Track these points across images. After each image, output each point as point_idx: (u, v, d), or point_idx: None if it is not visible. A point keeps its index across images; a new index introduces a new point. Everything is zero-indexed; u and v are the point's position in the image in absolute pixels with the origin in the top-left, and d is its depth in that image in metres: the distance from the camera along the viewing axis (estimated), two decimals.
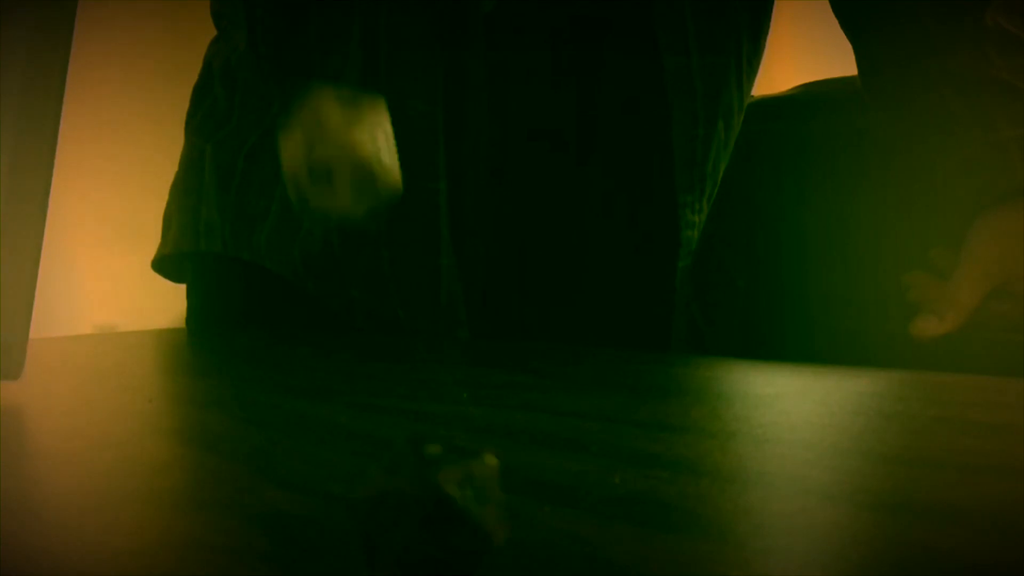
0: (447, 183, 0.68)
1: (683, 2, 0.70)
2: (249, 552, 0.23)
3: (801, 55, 2.09)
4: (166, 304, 0.98)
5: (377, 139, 0.22)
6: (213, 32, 0.82)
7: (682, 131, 0.71)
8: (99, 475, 0.30)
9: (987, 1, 0.67)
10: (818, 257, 0.84)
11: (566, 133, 0.71)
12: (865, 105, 0.77)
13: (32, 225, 0.42)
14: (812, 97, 0.88)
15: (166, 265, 0.81)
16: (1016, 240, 0.62)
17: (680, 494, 0.27)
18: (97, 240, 2.46)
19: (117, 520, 0.25)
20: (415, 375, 0.52)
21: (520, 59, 0.70)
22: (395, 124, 0.70)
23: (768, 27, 0.78)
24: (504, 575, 0.21)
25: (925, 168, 0.69)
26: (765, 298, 0.86)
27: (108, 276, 2.45)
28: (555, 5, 0.69)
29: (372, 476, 0.18)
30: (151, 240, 0.82)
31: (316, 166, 0.22)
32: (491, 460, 0.18)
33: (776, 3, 0.78)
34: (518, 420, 0.38)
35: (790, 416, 0.38)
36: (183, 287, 0.83)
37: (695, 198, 0.73)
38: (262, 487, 0.28)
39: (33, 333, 0.45)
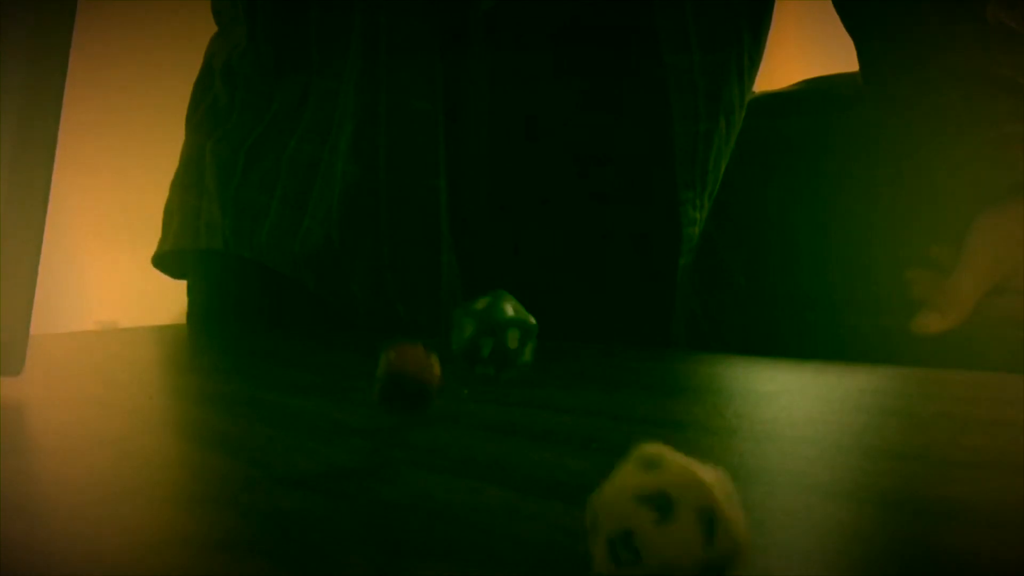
0: (447, 180, 0.68)
1: None
2: (250, 549, 0.23)
3: (803, 51, 2.09)
4: (167, 300, 0.98)
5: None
6: (214, 29, 0.82)
7: (683, 128, 0.71)
8: (99, 471, 0.30)
9: None
10: (820, 253, 0.84)
11: (566, 131, 0.71)
12: (867, 101, 0.77)
13: (33, 221, 0.42)
14: (814, 93, 0.88)
15: (167, 261, 0.82)
16: (1017, 236, 0.62)
17: None
18: (98, 236, 2.46)
19: (117, 516, 0.25)
20: None
21: (520, 57, 0.69)
22: (395, 122, 0.70)
23: (769, 23, 0.78)
24: (504, 573, 0.21)
25: (927, 164, 0.69)
26: (766, 294, 0.86)
27: (109, 272, 2.45)
28: (555, 3, 0.69)
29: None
30: (152, 237, 0.82)
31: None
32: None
33: None
34: (518, 417, 0.38)
35: (791, 412, 0.38)
36: (184, 283, 0.83)
37: (696, 195, 0.73)
38: (263, 483, 0.28)
39: (34, 329, 0.45)
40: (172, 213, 0.80)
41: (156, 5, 2.40)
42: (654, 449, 0.19)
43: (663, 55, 0.70)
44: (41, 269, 0.43)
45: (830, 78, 0.89)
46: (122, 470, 0.30)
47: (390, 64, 0.67)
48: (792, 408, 0.39)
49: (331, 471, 0.30)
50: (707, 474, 0.19)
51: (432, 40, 0.67)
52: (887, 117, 0.74)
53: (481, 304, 0.42)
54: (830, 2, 0.76)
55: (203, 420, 0.39)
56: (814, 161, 0.85)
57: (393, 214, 0.69)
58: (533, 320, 0.41)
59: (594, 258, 0.73)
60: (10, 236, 0.41)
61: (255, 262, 0.73)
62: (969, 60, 0.66)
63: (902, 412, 0.39)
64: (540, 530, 0.24)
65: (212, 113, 0.77)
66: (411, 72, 0.67)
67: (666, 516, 0.18)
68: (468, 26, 0.69)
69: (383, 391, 0.35)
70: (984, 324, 0.63)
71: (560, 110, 0.71)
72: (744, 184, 0.85)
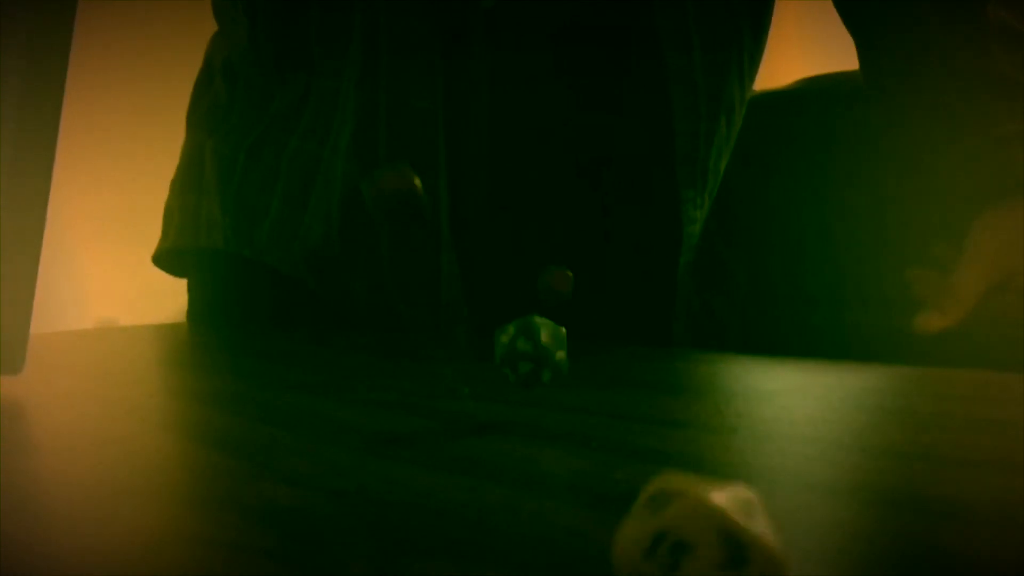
0: (448, 180, 0.68)
1: None
2: (251, 548, 0.23)
3: (803, 50, 2.09)
4: (167, 299, 0.98)
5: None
6: (214, 28, 0.82)
7: (684, 127, 0.71)
8: (99, 470, 0.30)
9: None
10: (820, 252, 0.84)
11: (566, 131, 0.71)
12: (867, 100, 0.77)
13: (33, 220, 0.42)
14: (814, 92, 0.88)
15: (167, 260, 0.81)
16: (1018, 235, 0.62)
17: None
18: (98, 235, 2.46)
19: (118, 515, 0.25)
20: (416, 370, 0.52)
21: (521, 56, 0.69)
22: (395, 121, 0.70)
23: (770, 21, 0.77)
24: (504, 571, 0.21)
25: (928, 164, 0.69)
26: (767, 293, 0.86)
27: (109, 271, 2.45)
28: (555, 3, 0.69)
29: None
30: (152, 235, 0.82)
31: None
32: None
33: None
34: (519, 415, 0.38)
35: (792, 411, 0.38)
36: (184, 282, 0.83)
37: (697, 194, 0.73)
38: (264, 482, 0.28)
39: (34, 328, 0.45)
40: (172, 211, 0.80)
41: (156, 5, 2.40)
42: (662, 484, 0.18)
43: (664, 54, 0.69)
44: (41, 267, 0.43)
45: (830, 76, 0.89)
46: (122, 469, 0.30)
47: (390, 64, 0.67)
48: (793, 407, 0.39)
49: (331, 471, 0.30)
50: (718, 497, 0.17)
51: (432, 40, 0.67)
52: (887, 117, 0.74)
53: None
54: (830, 2, 0.76)
55: (203, 419, 0.39)
56: (815, 159, 0.85)
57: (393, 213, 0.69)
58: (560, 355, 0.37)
59: (594, 258, 0.73)
60: (10, 234, 0.41)
61: (255, 261, 0.73)
62: (970, 59, 0.66)
63: (903, 411, 0.39)
64: (540, 528, 0.24)
65: (212, 112, 0.77)
66: (411, 72, 0.67)
67: (682, 558, 0.17)
68: (468, 26, 0.69)
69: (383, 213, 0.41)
70: (986, 323, 0.63)
71: (560, 110, 0.71)
72: (745, 183, 0.85)
